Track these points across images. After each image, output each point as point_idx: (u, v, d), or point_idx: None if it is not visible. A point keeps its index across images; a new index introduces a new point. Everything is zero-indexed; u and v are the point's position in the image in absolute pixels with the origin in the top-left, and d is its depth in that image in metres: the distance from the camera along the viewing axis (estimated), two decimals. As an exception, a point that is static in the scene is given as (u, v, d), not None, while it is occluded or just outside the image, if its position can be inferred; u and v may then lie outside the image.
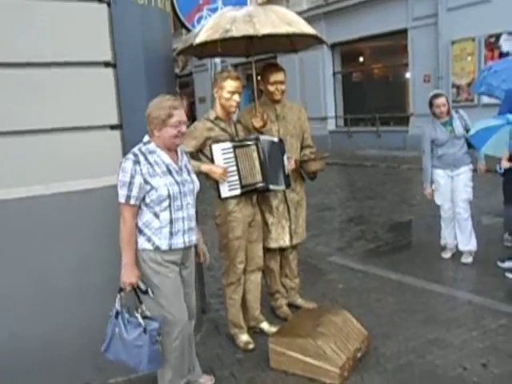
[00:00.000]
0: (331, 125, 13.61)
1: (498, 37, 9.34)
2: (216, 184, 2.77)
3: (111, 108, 2.61)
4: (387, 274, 4.01)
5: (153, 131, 2.17)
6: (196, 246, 2.43)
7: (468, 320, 3.13)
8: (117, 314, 2.16)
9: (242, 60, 3.61)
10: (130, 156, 2.14)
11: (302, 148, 3.28)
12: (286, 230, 3.19)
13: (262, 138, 2.89)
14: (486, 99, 7.13)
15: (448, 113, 3.98)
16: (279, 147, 2.93)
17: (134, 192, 2.10)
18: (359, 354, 2.69)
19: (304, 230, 3.33)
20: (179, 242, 2.20)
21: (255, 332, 3.08)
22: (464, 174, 4.03)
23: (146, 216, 2.16)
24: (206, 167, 2.73)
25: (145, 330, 2.11)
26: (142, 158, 2.13)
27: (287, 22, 2.73)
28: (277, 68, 3.11)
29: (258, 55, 3.23)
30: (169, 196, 2.13)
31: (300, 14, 12.09)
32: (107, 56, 2.57)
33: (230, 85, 2.74)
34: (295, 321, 2.91)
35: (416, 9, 10.79)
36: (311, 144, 3.32)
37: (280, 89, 3.08)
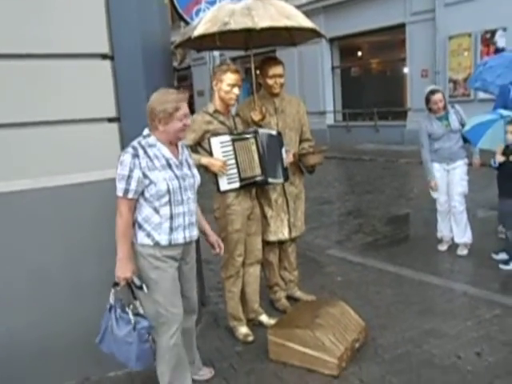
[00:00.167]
0: (330, 119, 13.61)
1: (493, 33, 9.37)
2: (215, 177, 2.78)
3: (109, 101, 2.61)
4: (385, 266, 4.05)
5: (157, 125, 2.13)
6: (208, 239, 2.44)
7: (463, 311, 3.18)
8: (110, 307, 2.14)
9: (241, 53, 3.62)
10: (129, 149, 2.11)
11: (301, 141, 3.29)
12: (284, 223, 3.21)
13: (261, 131, 2.90)
14: (482, 94, 7.17)
15: (444, 108, 4.00)
16: (277, 140, 2.94)
17: (133, 186, 2.07)
18: (357, 345, 2.72)
19: (303, 222, 3.36)
20: (179, 237, 2.17)
21: (254, 324, 3.11)
22: (459, 167, 4.07)
23: (146, 211, 2.13)
24: (205, 160, 2.74)
25: (134, 328, 2.08)
26: (141, 152, 2.10)
27: (286, 15, 2.74)
28: (275, 61, 3.12)
29: (256, 48, 3.24)
30: (168, 191, 2.10)
31: (299, 7, 12.06)
32: (104, 48, 2.57)
33: (230, 78, 2.74)
34: (294, 313, 2.95)
35: (414, 4, 10.79)
36: (310, 137, 3.34)
37: (279, 82, 3.08)
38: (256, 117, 3.02)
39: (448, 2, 9.98)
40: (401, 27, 11.23)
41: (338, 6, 12.34)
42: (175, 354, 2.25)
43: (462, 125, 3.98)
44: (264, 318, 3.14)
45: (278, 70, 3.07)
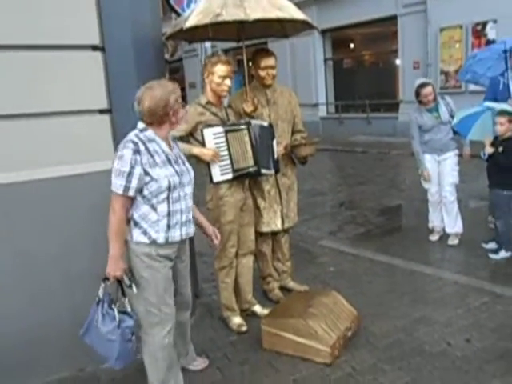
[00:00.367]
0: (322, 111, 13.62)
1: (484, 25, 9.41)
2: (208, 168, 2.79)
3: (100, 92, 2.59)
4: (377, 256, 4.10)
5: (169, 119, 2.05)
6: (205, 231, 2.41)
7: (453, 299, 3.24)
8: (98, 301, 2.09)
9: (233, 45, 3.61)
10: (130, 144, 1.99)
11: (293, 133, 3.30)
12: (277, 214, 3.23)
13: (253, 122, 2.90)
14: (472, 86, 7.22)
15: (434, 99, 4.02)
16: (269, 132, 2.95)
17: (134, 183, 1.97)
18: (349, 334, 2.76)
19: (295, 213, 3.38)
20: (176, 234, 2.11)
21: (248, 315, 3.14)
22: (450, 158, 4.11)
23: (143, 208, 2.05)
24: (196, 150, 2.73)
25: (118, 326, 2.03)
26: (142, 147, 1.99)
27: (278, 7, 2.73)
28: (268, 53, 3.12)
29: (248, 40, 3.23)
30: (169, 188, 2.03)
31: (291, -1, 11.82)
32: (95, 40, 2.55)
33: (221, 69, 2.74)
34: (287, 303, 2.98)
35: (406, -5, 10.79)
36: (302, 129, 3.35)
37: (271, 74, 3.09)
38: (248, 108, 3.02)
39: (439, -6, 10.00)
40: (393, 19, 11.23)
41: (330, -3, 12.29)
42: (168, 354, 2.21)
43: (452, 116, 4.01)
44: (257, 309, 3.17)
45: (270, 61, 3.07)
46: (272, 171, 3.00)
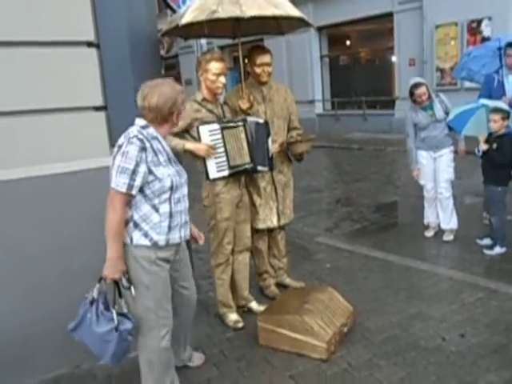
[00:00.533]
0: (319, 108, 13.62)
1: (479, 22, 9.43)
2: (204, 165, 2.78)
3: (95, 89, 2.58)
4: (373, 252, 4.12)
5: (172, 119, 2.04)
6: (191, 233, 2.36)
7: (448, 295, 3.26)
8: (92, 301, 2.02)
9: (229, 42, 3.60)
10: (136, 141, 1.92)
11: (289, 130, 3.30)
12: (273, 211, 3.24)
13: (249, 119, 2.90)
14: (468, 83, 7.24)
15: (429, 98, 4.02)
16: (264, 128, 2.94)
17: (138, 181, 1.91)
18: (345, 329, 2.78)
19: (291, 210, 3.39)
20: (176, 236, 2.08)
21: (244, 311, 3.15)
22: (446, 155, 4.13)
23: (144, 209, 1.99)
24: (190, 145, 2.71)
25: (116, 329, 1.97)
26: (148, 145, 1.94)
27: (274, 4, 2.73)
28: (263, 50, 3.11)
29: (244, 37, 3.23)
30: (171, 187, 2.00)
31: (287, -5, 11.75)
32: (90, 36, 2.54)
33: (215, 67, 2.73)
34: (283, 299, 2.99)
35: (402, -8, 10.79)
36: (298, 126, 3.35)
37: (266, 71, 3.08)
38: (244, 105, 3.02)
39: (435, -9, 10.01)
40: (389, 16, 11.23)
41: (326, -6, 12.28)
42: (165, 356, 2.18)
43: (447, 113, 4.03)
44: (254, 305, 3.18)
45: (265, 58, 3.07)
46: (266, 168, 3.00)
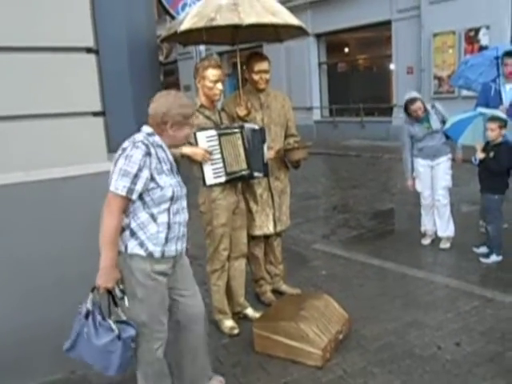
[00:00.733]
0: (316, 115, 13.67)
1: (477, 31, 9.51)
2: (201, 171, 2.79)
3: (93, 95, 2.60)
4: (369, 260, 4.12)
5: (166, 129, 1.99)
6: None
7: (444, 303, 3.26)
8: (87, 313, 1.95)
9: (228, 48, 3.63)
10: (141, 145, 1.90)
11: (286, 137, 3.31)
12: (270, 218, 3.24)
13: (246, 125, 2.91)
14: (465, 92, 7.31)
15: (424, 111, 4.01)
16: (260, 135, 2.95)
17: (138, 186, 1.88)
18: (341, 336, 2.78)
19: (288, 217, 3.39)
20: (172, 249, 2.02)
21: (240, 318, 3.14)
22: (443, 163, 4.15)
23: (142, 217, 1.94)
24: (187, 149, 2.70)
25: (119, 337, 1.90)
26: (153, 151, 1.92)
27: (272, 12, 2.76)
28: (261, 57, 3.13)
29: (243, 44, 3.25)
30: (171, 198, 1.97)
31: (287, 2, 11.99)
32: (89, 42, 2.56)
33: (212, 74, 2.75)
34: (279, 306, 2.98)
35: (400, 1, 10.87)
36: (295, 133, 3.36)
37: (264, 78, 3.10)
38: (241, 112, 3.04)
39: (433, 0, 10.09)
40: (387, 24, 11.33)
41: (324, 2, 12.36)
42: (158, 367, 2.13)
43: (444, 122, 4.04)
44: (249, 312, 3.17)
45: (263, 65, 3.08)
46: (261, 175, 2.99)
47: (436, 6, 10.04)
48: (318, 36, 12.97)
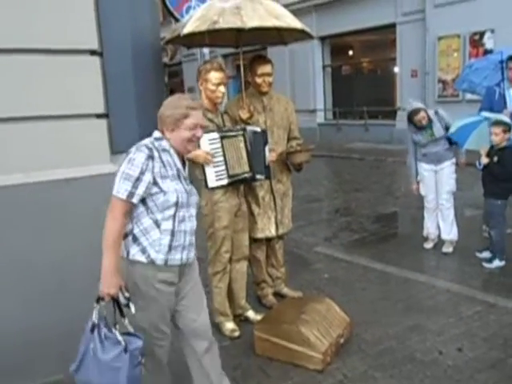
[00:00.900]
0: (320, 117, 13.68)
1: (482, 34, 9.49)
2: (203, 173, 2.79)
3: (97, 97, 2.60)
4: (371, 263, 4.11)
5: (164, 132, 1.95)
6: None
7: (446, 307, 3.24)
8: (93, 327, 1.84)
9: (232, 50, 3.65)
10: (144, 149, 1.86)
11: (289, 140, 3.32)
12: (272, 221, 3.24)
13: (248, 128, 2.91)
14: (470, 95, 7.29)
15: (428, 119, 4.01)
16: (262, 137, 2.95)
17: (140, 190, 1.84)
18: (342, 340, 2.77)
19: (290, 220, 3.39)
20: (176, 257, 1.94)
21: (241, 320, 3.14)
22: (447, 167, 4.16)
23: (145, 222, 1.90)
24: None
25: (125, 350, 1.79)
26: (156, 154, 1.87)
27: (275, 15, 2.76)
28: (264, 60, 3.14)
29: (246, 46, 3.26)
30: (176, 204, 1.89)
31: (291, 5, 12.00)
32: (93, 44, 2.56)
33: (215, 77, 2.76)
34: (280, 309, 2.98)
35: (405, 4, 10.87)
36: (298, 136, 3.36)
37: (267, 81, 3.10)
38: (244, 115, 3.04)
39: (438, 3, 10.08)
40: (391, 27, 11.32)
41: (329, 4, 12.39)
42: (156, 360, 2.06)
43: (447, 128, 4.03)
44: (250, 314, 3.17)
45: (266, 68, 3.09)
46: (262, 177, 2.99)
47: (441, 9, 10.03)
48: (323, 39, 12.98)
